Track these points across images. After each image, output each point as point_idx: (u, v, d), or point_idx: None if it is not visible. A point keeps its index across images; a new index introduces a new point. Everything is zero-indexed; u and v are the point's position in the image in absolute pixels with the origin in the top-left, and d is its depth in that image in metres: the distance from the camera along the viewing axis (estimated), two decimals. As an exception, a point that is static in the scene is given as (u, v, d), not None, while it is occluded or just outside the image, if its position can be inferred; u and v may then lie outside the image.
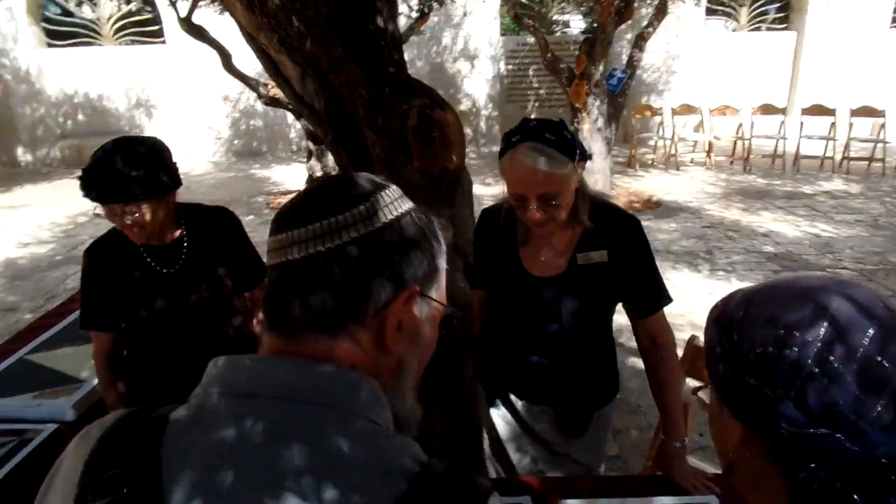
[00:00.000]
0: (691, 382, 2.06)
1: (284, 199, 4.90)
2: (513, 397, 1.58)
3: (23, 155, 9.63)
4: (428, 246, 0.62)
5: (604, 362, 1.55)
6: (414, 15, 7.15)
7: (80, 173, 1.43)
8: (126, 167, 1.40)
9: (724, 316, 0.62)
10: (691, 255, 5.07)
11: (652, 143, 8.76)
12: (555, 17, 10.72)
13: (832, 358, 0.54)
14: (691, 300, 4.12)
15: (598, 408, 1.57)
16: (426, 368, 0.66)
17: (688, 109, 8.40)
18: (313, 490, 0.49)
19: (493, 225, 1.53)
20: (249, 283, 1.72)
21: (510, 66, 9.95)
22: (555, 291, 1.44)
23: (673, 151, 8.22)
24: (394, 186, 0.63)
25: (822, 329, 0.55)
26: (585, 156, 1.39)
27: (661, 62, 9.64)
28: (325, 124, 1.95)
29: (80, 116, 9.60)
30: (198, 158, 9.54)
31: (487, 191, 6.48)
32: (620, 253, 1.42)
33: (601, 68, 6.38)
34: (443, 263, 0.64)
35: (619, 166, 8.24)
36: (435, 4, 6.92)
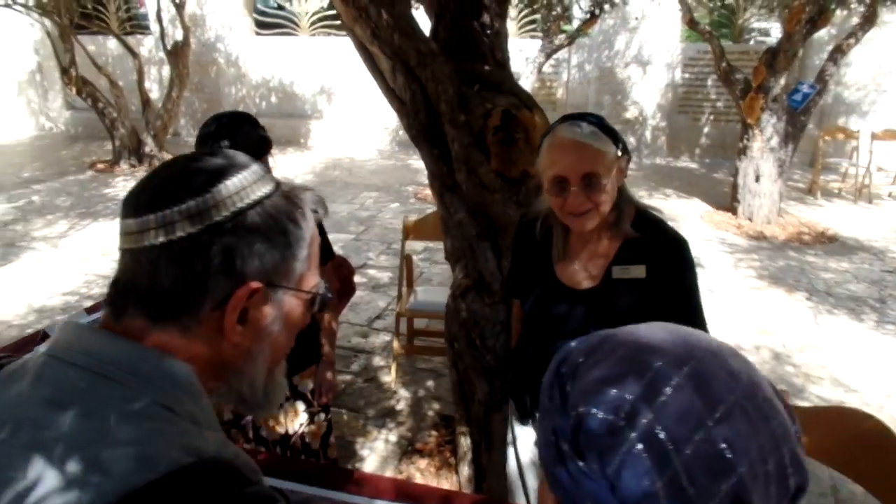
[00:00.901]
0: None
1: (429, 191, 5.06)
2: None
3: (224, 129, 10.99)
4: (280, 236, 0.60)
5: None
6: (584, 16, 6.97)
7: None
8: (248, 128, 1.62)
9: (567, 359, 0.53)
10: (857, 301, 4.39)
11: (843, 170, 7.70)
12: (752, 25, 9.84)
13: (662, 436, 0.44)
14: (842, 353, 3.58)
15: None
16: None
17: (893, 135, 7.25)
18: (61, 461, 0.49)
19: (531, 232, 1.45)
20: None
21: (687, 75, 9.32)
22: (585, 307, 1.33)
23: (867, 181, 7.16)
24: (252, 169, 0.61)
25: (663, 397, 0.45)
26: (628, 150, 1.28)
27: (868, 79, 8.43)
28: (410, 117, 1.98)
29: (273, 99, 10.71)
30: (365, 145, 10.17)
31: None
32: (660, 272, 1.28)
33: (782, 81, 5.74)
34: (303, 251, 0.62)
35: (797, 192, 7.36)
36: (607, 7, 6.69)
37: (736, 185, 6.22)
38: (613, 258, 1.32)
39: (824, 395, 3.15)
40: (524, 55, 7.04)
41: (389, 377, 3.25)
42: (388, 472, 2.61)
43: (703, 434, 0.43)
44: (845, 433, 1.32)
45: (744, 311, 4.14)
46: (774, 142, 5.88)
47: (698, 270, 1.34)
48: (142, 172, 8.37)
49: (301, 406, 1.85)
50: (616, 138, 1.24)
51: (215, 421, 0.61)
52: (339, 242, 5.37)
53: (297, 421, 1.85)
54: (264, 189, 0.61)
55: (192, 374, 0.58)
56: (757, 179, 6.01)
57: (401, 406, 3.09)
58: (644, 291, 1.29)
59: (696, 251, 1.40)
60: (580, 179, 1.22)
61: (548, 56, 7.22)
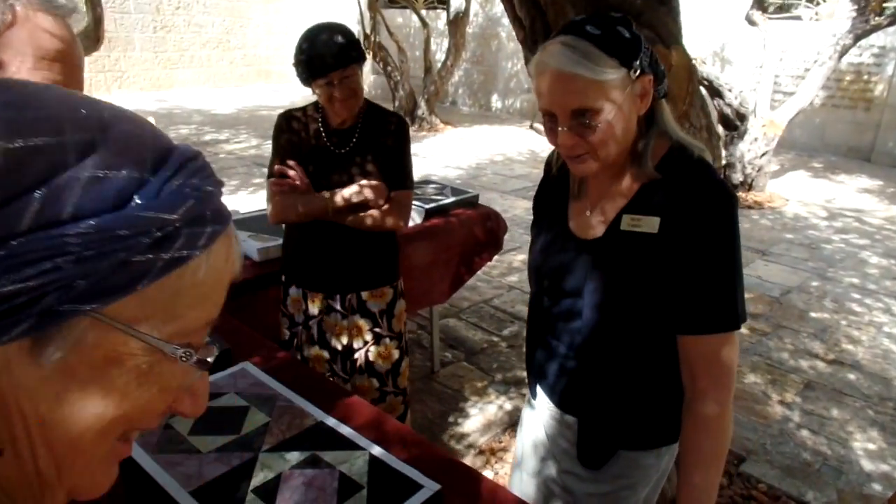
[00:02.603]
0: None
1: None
2: (544, 397, 1.25)
3: (495, 102, 11.45)
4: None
5: (645, 384, 1.07)
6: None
7: (301, 63, 1.69)
8: (339, 37, 1.64)
9: None
10: None
11: None
12: None
13: None
14: None
15: (627, 445, 1.11)
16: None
17: None
18: None
19: (549, 172, 1.19)
20: (391, 185, 1.76)
21: None
22: (585, 262, 1.05)
23: None
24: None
25: None
26: (658, 69, 0.96)
27: None
28: (526, 47, 1.78)
29: (545, 75, 10.80)
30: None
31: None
32: (675, 230, 0.94)
33: None
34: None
35: None
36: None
37: None
38: (627, 204, 1.01)
39: None
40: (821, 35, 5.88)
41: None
42: (483, 439, 2.48)
43: None
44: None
45: None
46: None
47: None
48: (411, 133, 9.21)
49: (366, 324, 1.84)
50: (628, 51, 0.92)
51: None
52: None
53: (360, 339, 1.85)
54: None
55: None
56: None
57: (533, 381, 2.90)
58: (654, 252, 0.96)
59: None
60: (569, 116, 0.95)
61: (857, 38, 5.93)
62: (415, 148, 8.21)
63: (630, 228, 0.99)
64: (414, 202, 2.64)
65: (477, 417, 2.62)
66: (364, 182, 1.73)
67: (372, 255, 1.82)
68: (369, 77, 13.14)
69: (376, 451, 1.13)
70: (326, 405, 1.26)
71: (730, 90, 6.22)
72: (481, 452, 2.40)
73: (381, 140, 1.76)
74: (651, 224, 0.97)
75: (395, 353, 1.92)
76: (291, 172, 1.71)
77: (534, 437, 1.30)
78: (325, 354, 1.86)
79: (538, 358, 1.22)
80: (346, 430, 1.18)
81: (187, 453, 1.09)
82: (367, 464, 1.09)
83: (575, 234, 1.09)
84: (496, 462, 2.37)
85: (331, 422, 1.21)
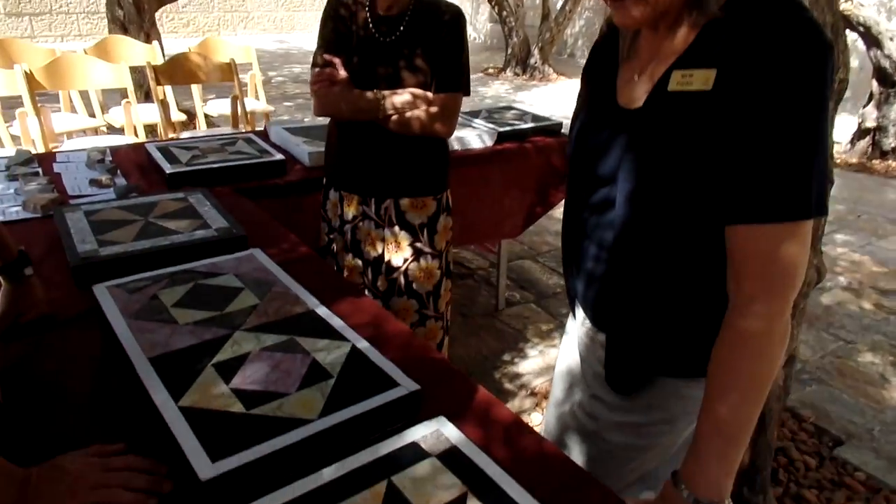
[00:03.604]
0: None
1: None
2: (581, 313, 1.05)
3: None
4: None
5: (687, 294, 0.85)
6: None
7: None
8: None
9: None
10: None
11: None
12: None
13: None
14: None
15: (665, 370, 0.90)
16: None
17: None
18: None
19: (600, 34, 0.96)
20: (441, 86, 1.59)
21: None
22: (623, 139, 0.84)
23: None
24: None
25: None
26: None
27: None
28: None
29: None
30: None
31: None
32: (741, 78, 0.70)
33: None
34: None
35: None
36: None
37: None
38: (678, 58, 0.77)
39: None
40: None
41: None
42: (538, 382, 2.31)
43: None
44: None
45: None
46: None
47: None
48: (520, 81, 8.86)
49: (405, 238, 1.70)
50: None
51: None
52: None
53: (399, 254, 1.72)
54: None
55: None
56: None
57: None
58: (705, 116, 0.73)
59: None
60: None
61: None
62: (522, 96, 7.91)
63: (679, 88, 0.76)
64: (487, 124, 2.45)
65: (535, 360, 2.44)
66: (419, 92, 1.57)
67: (414, 160, 1.66)
68: (486, 26, 12.80)
69: (361, 344, 1.00)
70: (328, 300, 1.14)
71: (891, 39, 5.35)
72: (532, 394, 2.23)
73: (433, 32, 1.58)
74: (704, 79, 0.73)
75: (437, 274, 1.78)
76: (335, 64, 1.58)
77: (567, 363, 1.11)
78: (359, 264, 1.76)
79: (572, 265, 1.03)
80: (336, 321, 1.06)
81: (163, 322, 1.02)
82: (346, 356, 0.97)
83: (619, 103, 0.87)
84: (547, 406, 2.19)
85: (322, 311, 1.09)
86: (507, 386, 2.28)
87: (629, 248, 0.87)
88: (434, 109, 1.58)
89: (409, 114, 1.56)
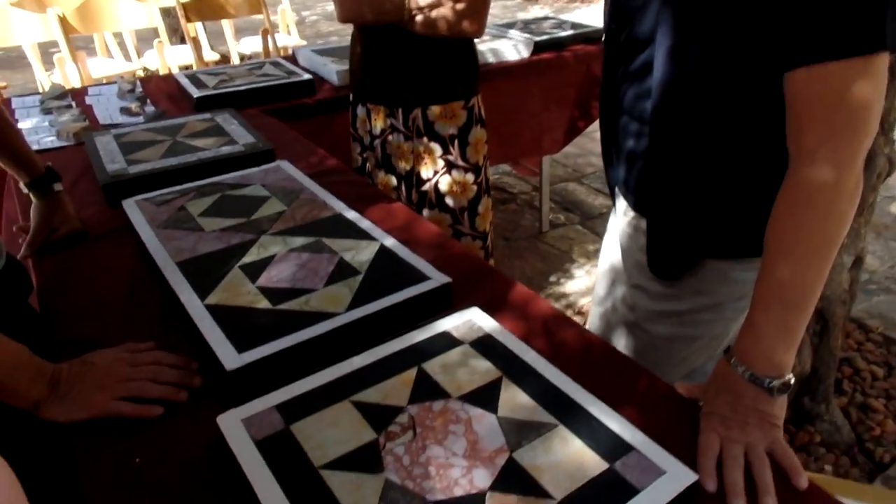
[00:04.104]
0: None
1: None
2: (622, 201, 0.98)
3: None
4: None
5: (734, 164, 0.77)
6: None
7: None
8: None
9: None
10: None
11: None
12: None
13: None
14: None
15: (713, 251, 0.83)
16: None
17: None
18: None
19: None
20: None
21: None
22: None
23: None
24: None
25: None
26: None
27: None
28: None
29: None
30: None
31: None
32: None
33: None
34: None
35: None
36: None
37: None
38: None
39: None
40: None
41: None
42: (585, 301, 2.25)
43: None
44: None
45: None
46: None
47: None
48: (561, 5, 8.44)
49: (436, 149, 1.63)
50: None
51: None
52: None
53: (430, 167, 1.66)
54: None
55: None
56: None
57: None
58: None
59: None
60: None
61: None
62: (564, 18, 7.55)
63: None
64: (522, 34, 2.32)
65: (582, 279, 2.38)
66: None
67: (440, 63, 1.57)
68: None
69: (389, 242, 0.96)
70: (359, 207, 1.10)
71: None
72: (579, 313, 2.18)
73: None
74: None
75: (473, 189, 1.71)
76: None
77: (609, 260, 1.05)
78: (393, 181, 1.71)
79: (612, 150, 0.95)
80: (365, 223, 1.02)
81: (190, 231, 1.00)
82: (375, 254, 0.93)
83: None
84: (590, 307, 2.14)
85: (351, 215, 1.05)
86: (553, 305, 2.23)
87: (670, 117, 0.78)
88: (461, 6, 1.48)
89: (434, 13, 1.47)
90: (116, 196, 1.14)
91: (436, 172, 1.67)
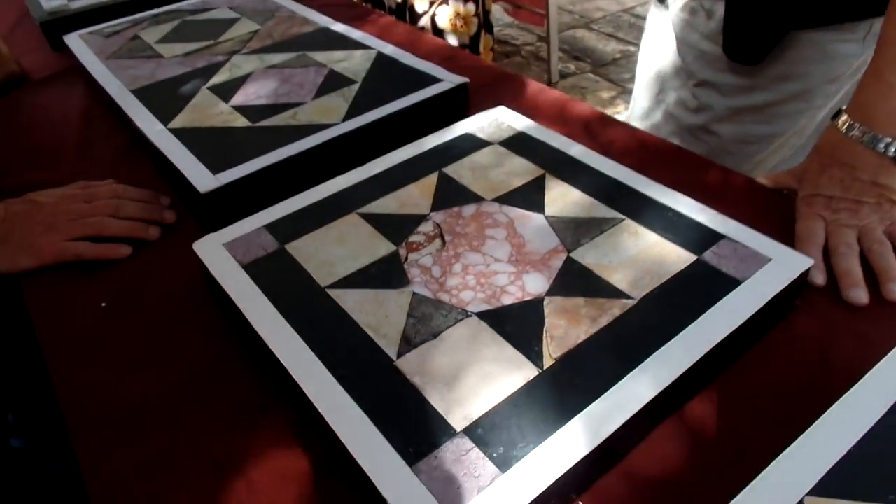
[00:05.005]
0: None
1: None
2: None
3: None
4: None
5: None
6: None
7: None
8: None
9: None
10: None
11: None
12: None
13: None
14: None
15: (804, 20, 0.66)
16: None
17: None
18: None
19: None
20: None
21: None
22: None
23: None
24: None
25: None
26: None
27: None
28: None
29: None
30: None
31: None
32: None
33: None
34: None
35: None
36: None
37: None
38: None
39: None
40: None
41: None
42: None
43: None
44: None
45: None
46: None
47: None
48: None
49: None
50: None
51: None
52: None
53: (426, -1, 1.44)
54: None
55: None
56: None
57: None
58: None
59: None
60: None
61: None
62: None
63: None
64: None
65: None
66: None
67: None
68: None
69: (389, 49, 0.79)
70: (347, 21, 0.91)
71: None
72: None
73: None
74: None
75: (474, 23, 1.50)
76: None
77: (654, 68, 0.87)
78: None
79: None
80: (357, 34, 0.84)
81: (146, 59, 0.83)
82: (371, 61, 0.76)
83: None
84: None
85: (339, 27, 0.87)
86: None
87: None
88: None
89: None
90: (58, 35, 0.96)
91: (432, 3, 1.46)
